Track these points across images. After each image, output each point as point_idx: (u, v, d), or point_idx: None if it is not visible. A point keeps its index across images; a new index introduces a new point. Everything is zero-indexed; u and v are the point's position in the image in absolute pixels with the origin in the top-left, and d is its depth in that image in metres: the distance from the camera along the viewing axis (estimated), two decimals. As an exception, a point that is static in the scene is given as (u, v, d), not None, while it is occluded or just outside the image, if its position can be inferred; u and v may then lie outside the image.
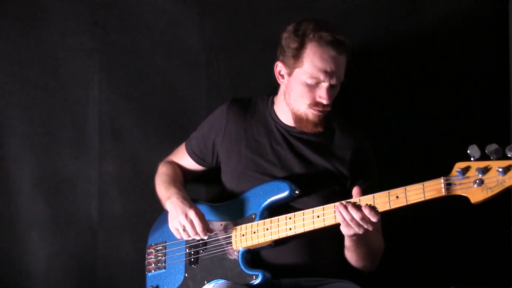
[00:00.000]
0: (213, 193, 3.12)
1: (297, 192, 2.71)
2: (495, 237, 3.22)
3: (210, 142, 2.98)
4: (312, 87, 2.72)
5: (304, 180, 2.76)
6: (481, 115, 3.24)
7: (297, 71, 2.74)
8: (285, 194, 2.71)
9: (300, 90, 2.74)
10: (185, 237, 2.76)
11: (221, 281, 2.73)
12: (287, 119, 2.86)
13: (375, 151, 2.89)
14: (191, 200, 2.84)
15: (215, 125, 2.98)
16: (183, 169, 3.09)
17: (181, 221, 2.74)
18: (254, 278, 2.66)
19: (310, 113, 2.76)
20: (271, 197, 2.73)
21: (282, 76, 2.82)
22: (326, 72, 2.68)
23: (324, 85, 2.70)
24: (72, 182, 3.37)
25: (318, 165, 2.80)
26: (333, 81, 2.69)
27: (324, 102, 2.71)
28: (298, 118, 2.79)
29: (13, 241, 3.35)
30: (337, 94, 2.78)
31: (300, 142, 2.83)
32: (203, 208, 2.88)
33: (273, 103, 2.92)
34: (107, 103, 3.36)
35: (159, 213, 3.05)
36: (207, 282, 2.78)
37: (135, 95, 3.37)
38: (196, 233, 2.72)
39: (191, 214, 2.72)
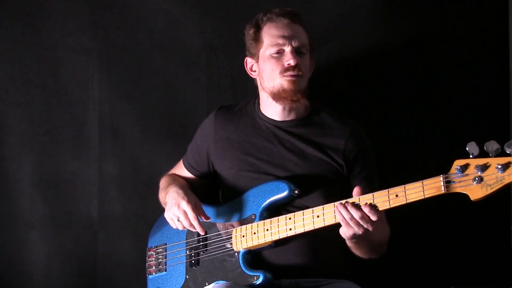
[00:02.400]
0: (212, 196, 3.10)
1: (296, 192, 2.70)
2: (494, 237, 3.22)
3: (204, 152, 2.98)
4: (278, 57, 2.78)
5: (300, 174, 2.77)
6: (479, 113, 3.24)
7: (261, 52, 2.83)
8: (284, 194, 2.70)
9: (269, 65, 2.79)
10: (180, 228, 2.75)
11: (221, 282, 2.72)
12: (273, 114, 2.86)
13: (374, 150, 2.89)
14: (190, 191, 2.83)
15: (206, 135, 2.99)
16: (187, 181, 3.08)
17: (174, 212, 2.74)
18: (255, 278, 2.66)
19: (284, 82, 2.77)
20: (270, 198, 2.72)
21: (254, 70, 2.90)
22: (284, 37, 2.77)
23: (287, 49, 2.76)
24: (72, 182, 3.37)
25: (311, 156, 2.79)
26: (295, 43, 2.76)
27: (292, 62, 2.75)
28: (275, 95, 2.80)
29: (13, 241, 3.36)
30: (313, 67, 2.88)
31: (291, 135, 2.83)
32: (202, 209, 2.88)
33: (258, 104, 2.93)
34: (107, 103, 3.37)
35: (159, 213, 3.04)
36: (208, 284, 2.77)
37: (135, 95, 3.37)
38: (190, 224, 2.72)
39: (183, 204, 2.71)
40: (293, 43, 2.76)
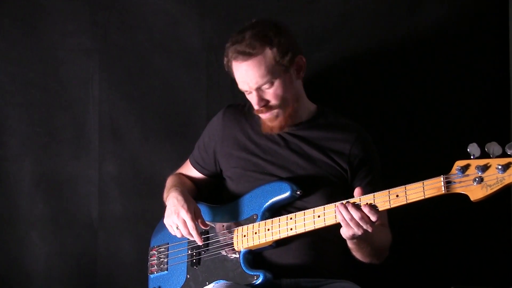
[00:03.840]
0: (215, 195, 3.11)
1: (298, 192, 2.71)
2: (495, 237, 3.22)
3: (211, 150, 2.99)
4: (249, 96, 2.80)
5: (304, 176, 2.78)
6: (481, 114, 3.25)
7: None
8: (286, 194, 2.71)
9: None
10: (179, 235, 2.77)
11: (221, 282, 2.73)
12: None
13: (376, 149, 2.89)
14: (189, 197, 2.83)
15: (213, 133, 3.00)
16: (193, 181, 3.09)
17: (173, 220, 2.75)
18: (255, 278, 2.66)
19: (262, 118, 2.83)
20: (272, 198, 2.73)
21: None
22: (244, 82, 2.75)
23: (252, 92, 2.76)
24: (72, 182, 3.37)
25: (316, 160, 2.80)
26: (255, 85, 2.72)
27: (256, 107, 2.76)
28: (261, 122, 2.86)
29: (13, 241, 3.36)
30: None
31: (297, 138, 2.84)
32: (204, 209, 2.89)
33: None
34: (107, 103, 3.36)
35: (159, 213, 3.03)
36: (209, 283, 2.77)
37: (135, 95, 3.37)
38: (189, 233, 2.73)
39: (183, 213, 2.73)
40: (252, 86, 2.73)
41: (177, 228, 2.76)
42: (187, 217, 2.72)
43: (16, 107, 3.36)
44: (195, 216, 2.75)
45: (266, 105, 2.75)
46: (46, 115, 3.36)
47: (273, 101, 2.75)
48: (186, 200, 2.79)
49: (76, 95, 3.37)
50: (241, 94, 3.16)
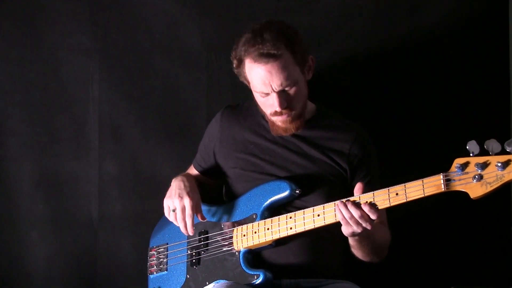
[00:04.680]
0: (214, 195, 3.11)
1: (297, 191, 2.70)
2: (495, 237, 3.22)
3: (211, 151, 2.99)
4: (266, 98, 2.72)
5: (303, 176, 2.77)
6: (480, 113, 3.25)
7: (251, 87, 2.78)
8: (285, 193, 2.71)
9: (259, 102, 2.78)
10: (171, 219, 2.78)
11: (221, 281, 2.72)
12: None
13: (375, 149, 2.88)
14: (196, 188, 2.84)
15: (212, 135, 2.99)
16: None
17: (174, 202, 2.76)
18: (255, 278, 2.66)
19: (276, 121, 2.77)
20: (271, 197, 2.73)
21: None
22: (266, 84, 2.66)
23: (272, 94, 2.69)
24: (72, 182, 3.37)
25: (315, 159, 2.79)
26: (278, 87, 2.66)
27: (277, 109, 2.70)
28: (271, 124, 2.82)
29: (13, 241, 3.36)
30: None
31: (296, 138, 2.83)
32: (204, 209, 2.87)
33: None
34: (107, 103, 3.37)
35: (159, 213, 3.03)
36: (209, 283, 2.77)
37: (135, 95, 3.37)
38: (183, 219, 2.73)
39: (186, 200, 2.74)
40: (276, 88, 2.66)
41: (173, 211, 2.76)
42: (188, 204, 2.73)
43: (16, 107, 3.36)
44: (196, 206, 2.76)
45: (287, 106, 2.71)
46: (46, 115, 3.37)
47: (294, 102, 2.71)
48: (192, 188, 2.80)
49: (76, 95, 3.37)
50: (241, 95, 3.19)
